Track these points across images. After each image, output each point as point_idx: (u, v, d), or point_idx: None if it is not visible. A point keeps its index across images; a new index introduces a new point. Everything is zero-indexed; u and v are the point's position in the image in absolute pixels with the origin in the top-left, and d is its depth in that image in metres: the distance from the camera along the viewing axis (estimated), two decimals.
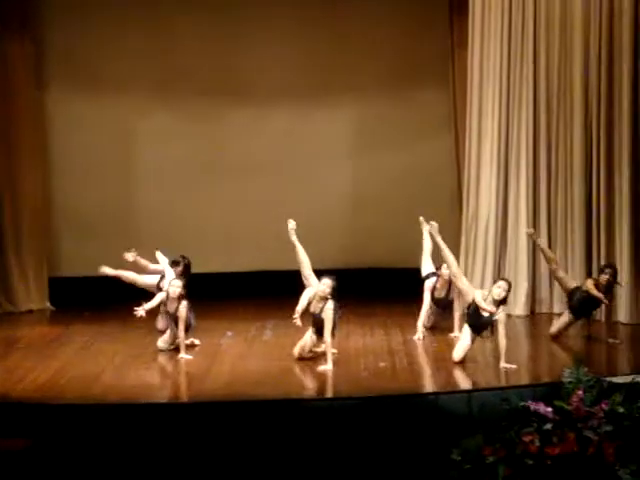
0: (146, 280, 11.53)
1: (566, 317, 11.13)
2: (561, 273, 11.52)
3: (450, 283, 11.23)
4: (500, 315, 9.91)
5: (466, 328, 10.13)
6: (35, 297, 13.73)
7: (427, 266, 11.65)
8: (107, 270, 11.46)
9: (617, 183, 12.17)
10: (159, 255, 11.61)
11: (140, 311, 10.39)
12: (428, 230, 11.30)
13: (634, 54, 12.00)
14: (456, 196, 13.94)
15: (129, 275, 11.52)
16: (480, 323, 9.98)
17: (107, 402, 8.83)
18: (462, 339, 10.12)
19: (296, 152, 14.89)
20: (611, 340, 11.02)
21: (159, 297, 10.74)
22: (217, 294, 13.40)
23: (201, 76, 14.64)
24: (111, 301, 13.58)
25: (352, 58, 14.69)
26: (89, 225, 14.46)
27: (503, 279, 10.34)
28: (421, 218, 11.57)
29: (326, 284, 10.06)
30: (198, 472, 8.49)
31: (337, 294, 10.06)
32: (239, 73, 14.69)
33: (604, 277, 11.00)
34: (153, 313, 10.84)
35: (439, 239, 10.68)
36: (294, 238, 10.92)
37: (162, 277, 11.35)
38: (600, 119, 12.28)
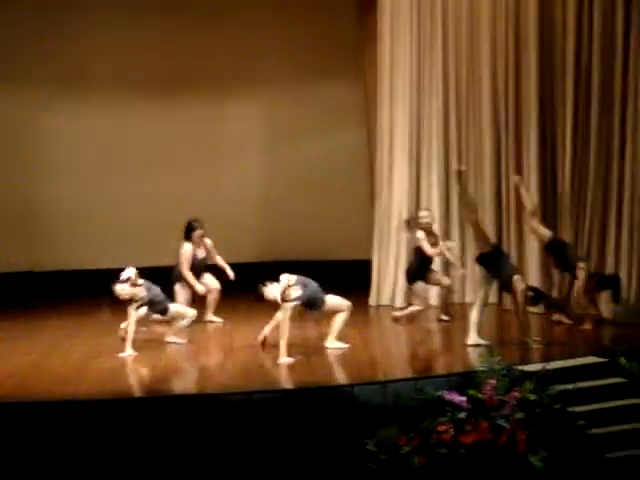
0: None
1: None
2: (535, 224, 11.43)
3: None
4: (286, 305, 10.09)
5: None
6: None
7: None
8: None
9: (526, 175, 12.31)
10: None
11: None
12: None
13: (540, 42, 12.13)
14: (369, 189, 14.00)
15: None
16: None
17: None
18: None
19: (206, 147, 14.88)
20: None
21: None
22: None
23: (107, 70, 14.52)
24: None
25: (263, 53, 14.70)
26: None
27: None
28: None
29: None
30: (149, 468, 8.40)
31: None
32: (146, 68, 14.62)
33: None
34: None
35: None
36: None
37: None
38: (508, 109, 12.43)
